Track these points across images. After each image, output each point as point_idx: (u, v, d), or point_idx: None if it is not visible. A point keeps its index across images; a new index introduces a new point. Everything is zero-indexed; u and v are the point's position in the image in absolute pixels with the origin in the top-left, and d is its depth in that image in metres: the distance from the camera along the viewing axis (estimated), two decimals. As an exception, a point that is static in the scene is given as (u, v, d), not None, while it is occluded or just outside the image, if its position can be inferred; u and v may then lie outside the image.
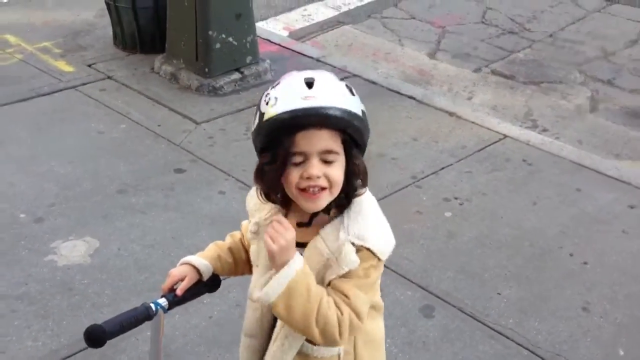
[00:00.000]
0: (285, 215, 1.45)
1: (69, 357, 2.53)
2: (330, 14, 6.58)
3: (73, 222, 3.24)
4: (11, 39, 5.28)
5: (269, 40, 5.48)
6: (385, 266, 3.04)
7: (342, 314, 1.36)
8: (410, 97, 4.73)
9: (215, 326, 2.69)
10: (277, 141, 1.32)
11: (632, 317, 2.84)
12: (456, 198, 3.61)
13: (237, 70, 4.71)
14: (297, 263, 1.34)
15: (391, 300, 2.84)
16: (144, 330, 2.59)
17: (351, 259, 1.35)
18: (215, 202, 3.44)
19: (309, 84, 1.31)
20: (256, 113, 1.36)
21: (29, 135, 3.99)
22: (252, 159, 1.43)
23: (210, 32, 4.50)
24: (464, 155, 4.02)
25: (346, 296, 1.36)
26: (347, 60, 5.36)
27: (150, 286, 2.86)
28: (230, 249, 1.62)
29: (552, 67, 5.58)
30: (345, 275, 1.37)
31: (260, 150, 1.39)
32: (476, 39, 6.06)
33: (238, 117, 4.34)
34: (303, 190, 1.33)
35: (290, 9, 6.63)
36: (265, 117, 1.31)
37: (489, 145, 4.16)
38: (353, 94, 1.35)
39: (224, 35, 4.56)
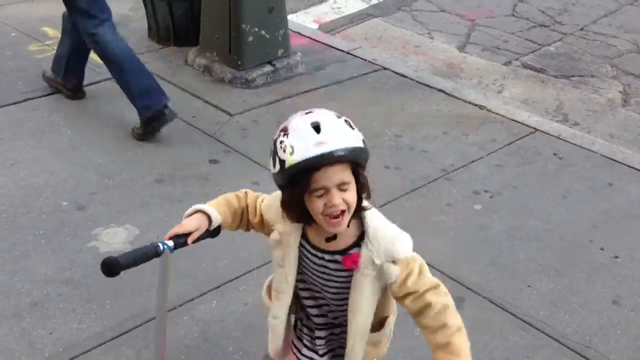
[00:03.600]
0: (304, 229, 1.70)
1: (112, 339, 2.63)
2: (359, 6, 6.62)
3: (113, 210, 3.36)
4: (49, 31, 5.41)
5: (300, 33, 5.54)
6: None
7: (442, 299, 1.66)
8: (440, 90, 4.76)
9: (251, 312, 2.77)
10: (299, 180, 1.53)
11: (662, 311, 2.87)
12: (486, 191, 3.65)
13: (269, 63, 4.79)
14: None
15: (422, 290, 2.90)
16: (183, 314, 2.71)
17: (393, 273, 1.63)
18: (249, 192, 3.52)
19: (316, 127, 1.51)
20: (274, 158, 1.56)
21: (69, 125, 4.12)
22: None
23: (243, 26, 4.58)
24: (494, 149, 4.05)
25: (426, 290, 1.65)
26: (377, 53, 5.40)
27: (188, 272, 2.96)
28: (238, 205, 1.82)
29: (584, 61, 5.55)
30: (410, 283, 1.64)
31: (280, 186, 1.61)
32: (507, 32, 6.05)
33: (270, 109, 4.42)
34: (327, 215, 1.56)
35: (320, 2, 6.68)
36: (287, 164, 1.52)
37: (520, 138, 4.18)
38: (353, 128, 1.55)
39: (256, 29, 4.64)
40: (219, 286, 2.90)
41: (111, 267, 1.62)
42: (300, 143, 1.50)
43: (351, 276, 1.68)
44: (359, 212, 1.62)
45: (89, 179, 3.61)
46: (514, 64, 5.47)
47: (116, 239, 3.16)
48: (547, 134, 4.24)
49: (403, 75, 4.97)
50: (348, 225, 1.61)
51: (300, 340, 1.92)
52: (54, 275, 2.94)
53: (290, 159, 1.51)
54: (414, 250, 1.67)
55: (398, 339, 2.65)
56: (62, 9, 4.08)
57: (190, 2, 5.03)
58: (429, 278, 1.67)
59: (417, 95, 4.68)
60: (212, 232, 1.78)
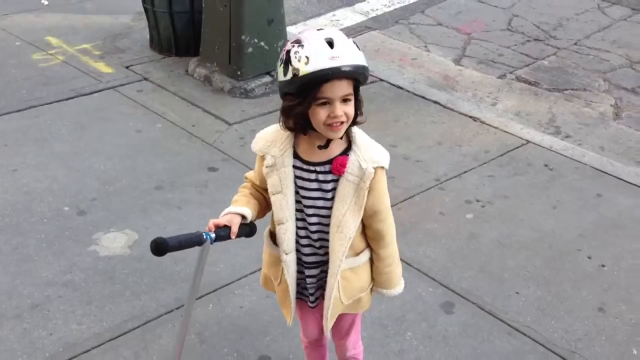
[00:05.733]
0: (296, 143, 1.86)
1: (110, 340, 2.71)
2: (358, 19, 6.73)
3: (113, 216, 3.44)
4: (53, 40, 5.52)
5: (299, 45, 5.63)
6: (407, 263, 3.20)
7: (389, 230, 1.97)
8: (435, 102, 4.86)
9: (246, 316, 2.85)
10: (307, 89, 1.69)
11: (646, 319, 2.95)
12: (478, 200, 3.73)
13: (268, 73, 4.89)
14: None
15: (413, 296, 2.99)
16: (179, 318, 2.78)
17: (370, 175, 1.82)
18: (247, 199, 3.60)
19: (330, 43, 1.68)
20: (286, 67, 1.70)
21: (71, 133, 4.21)
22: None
23: (243, 37, 4.68)
24: (486, 160, 4.14)
25: (379, 212, 1.91)
26: (374, 64, 5.50)
27: (185, 277, 3.04)
28: (251, 195, 1.99)
29: (577, 75, 5.65)
30: (376, 196, 1.86)
31: (286, 94, 1.76)
32: (501, 46, 6.16)
33: (268, 119, 4.51)
34: (329, 125, 1.74)
35: (319, 15, 6.80)
36: (301, 73, 1.67)
37: (512, 150, 4.27)
38: (360, 50, 1.73)
39: (256, 40, 4.74)
40: (216, 290, 2.98)
41: (160, 246, 1.76)
42: (315, 55, 1.66)
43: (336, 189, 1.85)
44: (354, 125, 1.82)
45: (90, 185, 3.70)
46: (509, 77, 5.57)
47: (116, 244, 3.24)
48: (539, 145, 4.34)
49: (399, 87, 5.08)
50: (341, 138, 1.82)
51: (298, 284, 2.04)
52: (55, 278, 3.02)
53: (305, 69, 1.66)
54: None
55: (388, 343, 2.74)
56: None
57: (192, 14, 5.15)
58: (388, 199, 1.93)
59: (412, 106, 4.78)
60: (249, 232, 1.92)
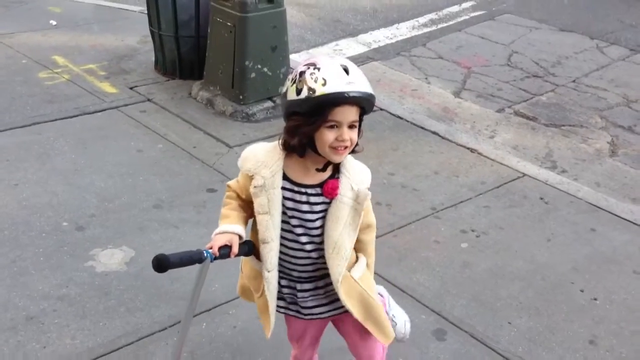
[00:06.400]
0: (286, 165, 1.88)
1: (103, 355, 2.71)
2: (360, 49, 6.85)
3: (111, 232, 3.47)
4: (59, 60, 5.62)
5: (301, 72, 5.72)
6: (401, 290, 3.22)
7: (373, 238, 2.07)
8: (434, 133, 4.93)
9: (239, 335, 2.86)
10: (319, 111, 1.75)
11: (637, 353, 2.95)
12: (473, 230, 3.77)
13: (270, 99, 4.97)
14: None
15: (406, 322, 3.00)
16: (174, 334, 2.80)
17: (365, 196, 1.92)
18: (244, 221, 3.64)
19: (346, 70, 1.76)
20: (300, 87, 1.75)
21: (73, 150, 4.26)
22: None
23: (246, 62, 4.77)
24: (482, 191, 4.19)
25: (371, 225, 2.03)
26: (375, 94, 5.57)
27: (181, 295, 3.05)
28: (241, 207, 2.00)
29: (574, 111, 5.74)
30: (367, 212, 1.96)
31: (293, 113, 1.80)
32: (501, 81, 6.26)
33: None
34: (334, 147, 1.81)
35: (322, 44, 6.92)
36: (317, 93, 1.73)
37: (508, 182, 4.32)
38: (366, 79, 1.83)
39: (259, 66, 4.83)
40: (210, 309, 2.99)
41: (162, 263, 1.79)
42: (333, 78, 1.74)
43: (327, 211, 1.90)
44: (352, 152, 1.89)
45: (90, 201, 3.73)
46: (507, 111, 5.65)
47: (113, 260, 3.26)
48: (535, 179, 4.39)
49: (399, 117, 5.15)
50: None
51: (284, 300, 2.07)
52: (51, 291, 3.03)
53: (322, 89, 1.73)
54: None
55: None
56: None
57: (197, 38, 5.25)
58: (373, 214, 2.04)
59: (411, 136, 4.85)
60: (247, 251, 1.97)
